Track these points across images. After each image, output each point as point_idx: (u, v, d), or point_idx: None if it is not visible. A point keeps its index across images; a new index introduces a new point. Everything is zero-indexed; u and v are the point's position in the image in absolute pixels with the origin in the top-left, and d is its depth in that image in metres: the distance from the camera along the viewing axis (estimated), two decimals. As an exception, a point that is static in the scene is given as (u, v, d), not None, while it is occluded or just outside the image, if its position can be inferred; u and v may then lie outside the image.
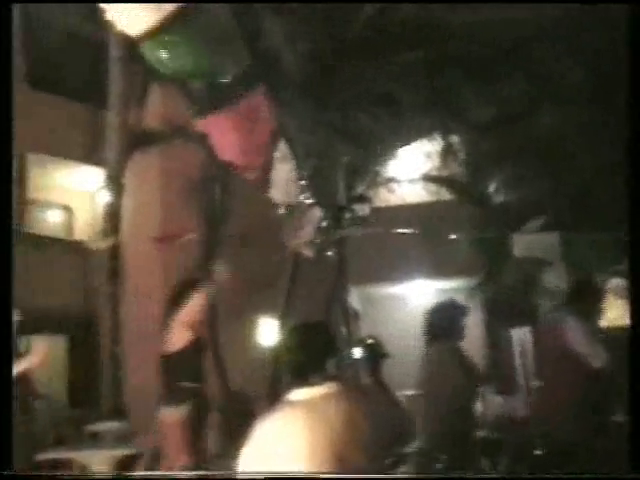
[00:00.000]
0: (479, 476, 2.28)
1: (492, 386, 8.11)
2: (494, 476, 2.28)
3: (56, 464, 7.53)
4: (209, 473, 6.47)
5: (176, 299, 5.84)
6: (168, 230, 11.24)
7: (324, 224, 7.63)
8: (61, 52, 13.04)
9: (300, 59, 7.64)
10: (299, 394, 2.43)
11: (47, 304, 12.57)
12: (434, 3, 7.57)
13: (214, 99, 5.71)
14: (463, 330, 5.46)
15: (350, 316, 9.75)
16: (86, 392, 12.26)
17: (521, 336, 10.68)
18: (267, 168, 6.18)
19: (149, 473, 3.88)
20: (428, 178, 10.38)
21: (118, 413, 9.48)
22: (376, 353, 5.79)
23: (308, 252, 7.76)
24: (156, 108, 12.17)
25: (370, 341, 6.00)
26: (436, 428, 5.05)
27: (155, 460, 6.76)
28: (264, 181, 6.29)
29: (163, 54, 4.42)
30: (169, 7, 3.89)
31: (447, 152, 9.61)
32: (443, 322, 5.41)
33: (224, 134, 5.87)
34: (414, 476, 2.38)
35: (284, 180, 6.30)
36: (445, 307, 5.59)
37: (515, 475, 2.29)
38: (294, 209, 6.97)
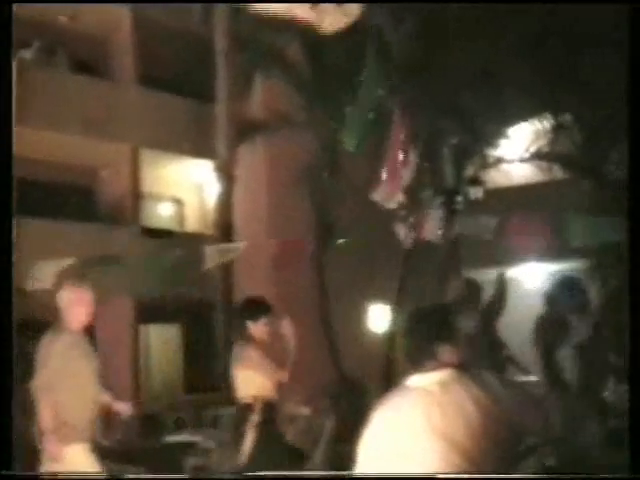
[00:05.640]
0: (479, 476, 2.16)
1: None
2: (493, 476, 2.15)
3: (180, 447, 7.76)
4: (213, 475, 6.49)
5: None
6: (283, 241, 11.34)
7: (437, 208, 7.51)
8: (168, 50, 13.36)
9: (404, 40, 7.53)
10: (416, 380, 2.39)
11: (162, 294, 12.97)
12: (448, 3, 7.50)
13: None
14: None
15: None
16: (202, 378, 12.61)
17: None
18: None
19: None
20: (541, 157, 9.98)
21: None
22: None
23: (423, 236, 7.68)
24: (260, 98, 12.30)
25: None
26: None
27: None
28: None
29: None
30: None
31: (559, 129, 9.24)
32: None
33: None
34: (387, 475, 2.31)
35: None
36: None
37: (515, 475, 2.16)
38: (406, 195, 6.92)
